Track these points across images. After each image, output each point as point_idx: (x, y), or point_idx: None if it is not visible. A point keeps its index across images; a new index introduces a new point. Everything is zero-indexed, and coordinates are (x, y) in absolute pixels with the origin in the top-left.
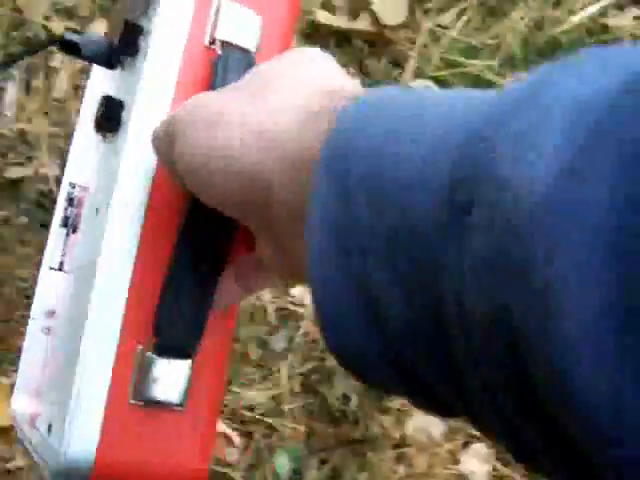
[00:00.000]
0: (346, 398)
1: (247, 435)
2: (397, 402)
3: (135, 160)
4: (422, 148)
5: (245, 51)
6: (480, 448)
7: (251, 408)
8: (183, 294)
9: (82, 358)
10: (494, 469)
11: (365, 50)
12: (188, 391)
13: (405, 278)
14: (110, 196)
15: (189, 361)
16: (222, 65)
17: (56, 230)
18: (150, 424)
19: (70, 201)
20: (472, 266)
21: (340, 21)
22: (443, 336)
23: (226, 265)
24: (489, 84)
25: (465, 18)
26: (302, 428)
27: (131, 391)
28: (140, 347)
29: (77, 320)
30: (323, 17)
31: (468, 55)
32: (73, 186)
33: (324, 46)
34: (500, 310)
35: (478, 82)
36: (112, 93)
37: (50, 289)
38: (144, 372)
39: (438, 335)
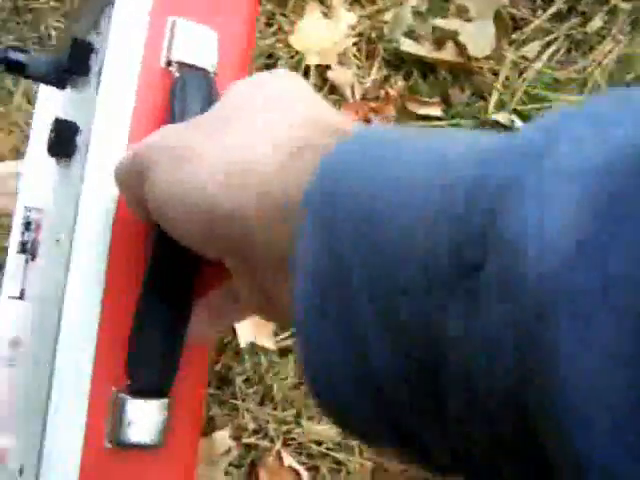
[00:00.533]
0: None
1: (314, 469)
2: None
3: (96, 194)
4: (418, 197)
5: (204, 71)
6: None
7: (319, 442)
8: (153, 333)
9: (54, 405)
10: None
11: (449, 80)
12: (166, 429)
13: (397, 334)
14: (71, 226)
15: (165, 400)
16: (180, 88)
17: (14, 256)
18: (128, 467)
19: (27, 225)
20: (485, 338)
21: (425, 50)
22: (439, 396)
23: (198, 299)
24: None
25: (550, 51)
26: (369, 464)
27: (107, 435)
28: (114, 389)
29: (43, 355)
30: (408, 46)
31: (553, 89)
32: (29, 210)
33: (408, 75)
34: (516, 390)
35: None
36: (63, 114)
37: (11, 319)
38: (119, 415)
39: (434, 393)
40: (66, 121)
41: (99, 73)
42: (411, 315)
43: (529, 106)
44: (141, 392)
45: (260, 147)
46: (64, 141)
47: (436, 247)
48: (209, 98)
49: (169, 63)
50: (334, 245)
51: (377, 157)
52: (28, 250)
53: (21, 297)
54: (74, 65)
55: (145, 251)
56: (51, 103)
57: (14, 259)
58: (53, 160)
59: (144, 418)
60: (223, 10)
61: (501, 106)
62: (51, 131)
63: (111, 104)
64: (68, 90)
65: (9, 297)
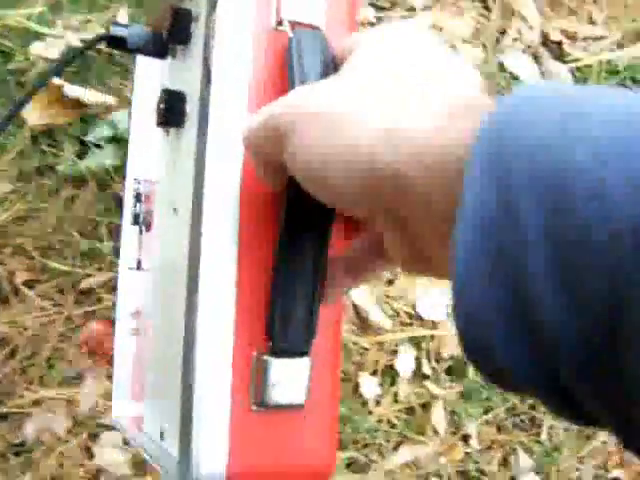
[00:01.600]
0: None
1: None
2: (9, 405)
3: (221, 160)
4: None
5: (316, 28)
6: (113, 436)
7: None
8: (292, 293)
9: (200, 371)
10: (134, 455)
11: None
12: (308, 388)
13: (576, 286)
14: (189, 195)
15: (306, 359)
16: (296, 48)
17: (128, 228)
18: (275, 428)
19: (137, 197)
20: None
21: None
22: (616, 350)
23: (332, 257)
24: None
25: None
26: None
27: (252, 398)
28: (255, 352)
29: (171, 322)
30: None
31: None
32: (138, 182)
33: None
34: None
35: None
36: (168, 85)
37: (131, 289)
38: (263, 377)
39: (611, 348)
40: (175, 91)
41: (207, 39)
42: (596, 271)
43: None
44: (284, 352)
45: (416, 108)
46: (175, 111)
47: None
48: (325, 56)
49: (280, 22)
50: (509, 197)
51: (553, 111)
52: (141, 221)
53: (138, 268)
54: (175, 34)
55: (275, 215)
56: (150, 74)
57: (128, 230)
58: (160, 131)
59: (288, 378)
60: None
61: None
62: (160, 102)
63: (227, 69)
64: (168, 60)
65: (128, 268)
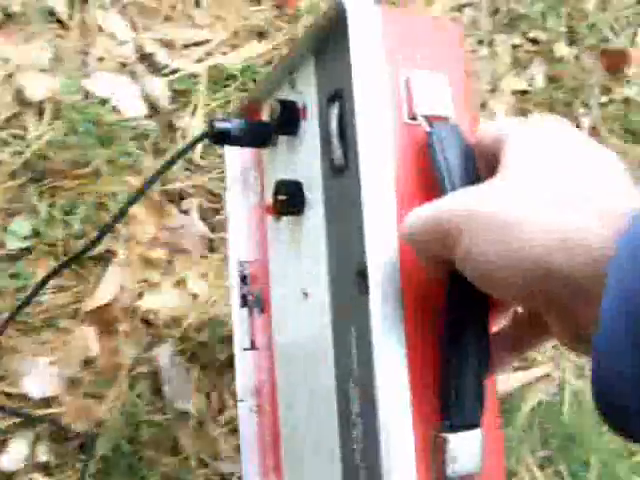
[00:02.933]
0: None
1: None
2: None
3: (379, 250)
4: None
5: (449, 121)
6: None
7: None
8: (465, 371)
9: (384, 455)
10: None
11: None
12: (482, 457)
13: None
14: (321, 280)
15: (479, 430)
16: (437, 143)
17: (238, 311)
18: None
19: (244, 279)
20: None
21: None
22: None
23: (494, 336)
24: None
25: None
26: None
27: (433, 474)
28: (432, 432)
29: (313, 406)
30: None
31: None
32: (242, 264)
33: None
34: None
35: None
36: (279, 175)
37: (248, 368)
38: (442, 453)
39: None
40: (292, 181)
41: (324, 131)
42: None
43: None
44: (461, 427)
45: (580, 214)
46: (295, 201)
47: None
48: (464, 148)
49: (414, 117)
50: None
51: None
52: (250, 303)
53: (252, 347)
54: (283, 126)
55: (436, 295)
56: (240, 163)
57: (239, 313)
58: (266, 217)
59: (466, 450)
60: (444, 52)
61: None
62: (277, 193)
63: (371, 163)
64: (269, 149)
65: (243, 349)
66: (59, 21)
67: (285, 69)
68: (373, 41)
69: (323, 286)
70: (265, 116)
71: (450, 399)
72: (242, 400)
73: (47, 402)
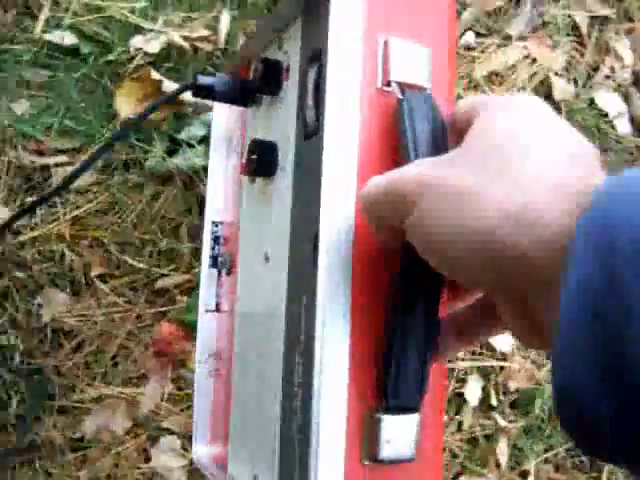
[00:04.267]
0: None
1: None
2: (70, 399)
3: (334, 218)
4: None
5: (423, 90)
6: (172, 441)
7: None
8: (406, 352)
9: (314, 426)
10: (190, 463)
11: None
12: (417, 443)
13: None
14: (281, 242)
15: (417, 415)
16: (407, 111)
17: (206, 271)
18: None
19: (216, 240)
20: None
21: None
22: None
23: (444, 318)
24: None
25: None
26: None
27: (364, 453)
28: (367, 409)
29: (263, 371)
30: None
31: None
32: (216, 225)
33: None
34: None
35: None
36: (256, 135)
37: (210, 331)
38: (375, 434)
39: None
40: (266, 142)
41: (301, 93)
42: None
43: (84, 18)
44: (398, 409)
45: (537, 189)
46: (265, 162)
47: None
48: (435, 119)
49: (387, 83)
50: (612, 269)
51: None
52: (219, 264)
53: (217, 310)
54: (266, 85)
55: (385, 271)
56: (226, 122)
57: (207, 273)
58: (245, 179)
59: (400, 434)
60: (430, 26)
61: (54, 24)
62: (250, 152)
63: (337, 129)
64: (251, 108)
65: (206, 310)
66: (578, 35)
67: (274, 28)
68: (356, 3)
69: (283, 251)
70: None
71: (389, 379)
72: (200, 362)
73: None
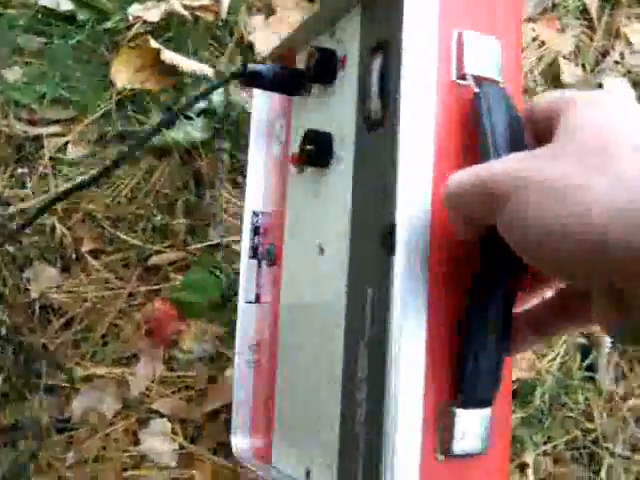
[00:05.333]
0: None
1: None
2: (57, 378)
3: (411, 211)
4: None
5: (497, 83)
6: (162, 424)
7: None
8: (483, 347)
9: (390, 421)
10: (181, 447)
11: None
12: (489, 438)
13: None
14: (339, 234)
15: (489, 409)
16: (485, 104)
17: (246, 262)
18: (459, 476)
19: (255, 230)
20: None
21: None
22: None
23: (519, 313)
24: None
25: None
26: None
27: (439, 446)
28: (442, 404)
29: (319, 363)
30: None
31: None
32: (256, 214)
33: None
34: None
35: None
36: (310, 125)
37: (250, 322)
38: (450, 428)
39: None
40: (322, 132)
41: (363, 83)
42: None
43: None
44: (473, 403)
45: (632, 182)
46: (323, 152)
47: None
48: (512, 113)
49: (463, 76)
50: None
51: None
52: (259, 255)
53: (257, 301)
54: (319, 74)
55: (463, 266)
56: (267, 110)
57: (246, 264)
58: (294, 168)
59: (474, 428)
60: (500, 17)
61: None
62: (306, 142)
63: (412, 122)
64: (299, 97)
65: (246, 301)
66: (588, 19)
67: (327, 18)
68: None
69: (342, 243)
70: (300, 64)
71: (466, 374)
72: (239, 353)
73: None
